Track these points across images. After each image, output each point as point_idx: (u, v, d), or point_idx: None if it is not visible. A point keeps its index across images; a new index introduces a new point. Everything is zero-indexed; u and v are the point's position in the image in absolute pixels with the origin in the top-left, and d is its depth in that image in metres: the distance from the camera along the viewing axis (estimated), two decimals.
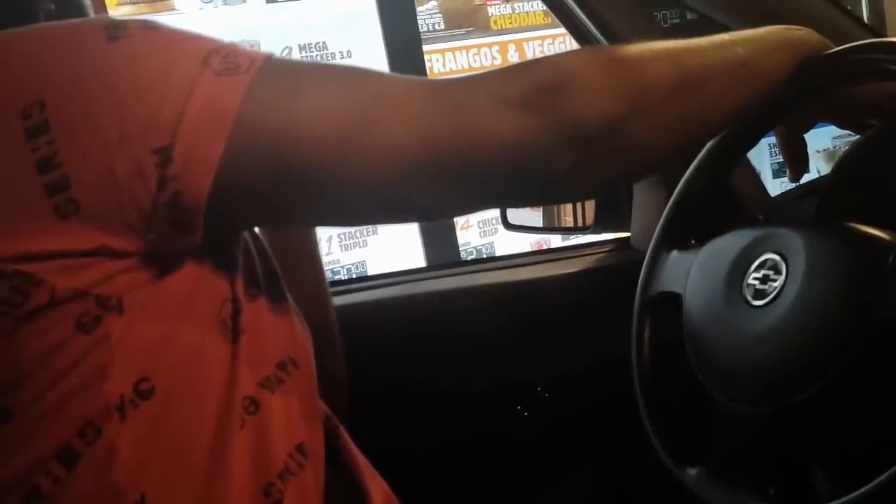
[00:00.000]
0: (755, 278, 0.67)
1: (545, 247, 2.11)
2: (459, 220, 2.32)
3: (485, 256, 2.34)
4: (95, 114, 0.43)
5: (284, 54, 2.09)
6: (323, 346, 0.75)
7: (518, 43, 2.50)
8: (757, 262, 0.67)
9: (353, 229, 2.16)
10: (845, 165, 0.78)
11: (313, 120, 0.45)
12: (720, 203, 0.86)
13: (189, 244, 0.46)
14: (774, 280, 0.65)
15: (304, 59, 2.12)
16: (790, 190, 1.08)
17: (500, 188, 0.49)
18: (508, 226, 1.35)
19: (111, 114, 0.43)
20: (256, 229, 0.58)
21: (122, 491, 0.44)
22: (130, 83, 0.43)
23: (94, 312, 0.44)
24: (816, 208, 0.83)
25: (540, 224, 1.36)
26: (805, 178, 0.84)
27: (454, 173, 0.47)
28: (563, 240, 1.81)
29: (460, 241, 2.33)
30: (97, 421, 0.44)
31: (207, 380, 0.47)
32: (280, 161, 0.45)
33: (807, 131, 0.73)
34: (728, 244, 0.73)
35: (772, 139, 0.78)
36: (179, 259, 0.47)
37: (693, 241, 0.80)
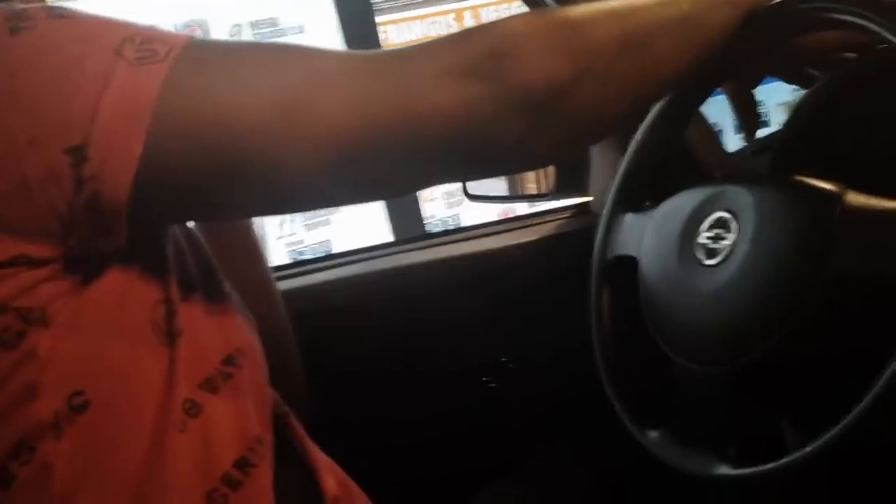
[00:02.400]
0: (707, 237, 0.66)
1: (511, 216, 2.10)
2: (424, 193, 2.30)
3: (451, 228, 2.33)
4: (1, 114, 0.40)
5: (234, 32, 2.04)
6: (273, 343, 0.73)
7: (474, 10, 2.47)
8: (708, 221, 0.67)
9: None
10: (795, 119, 0.78)
11: (241, 107, 0.42)
12: (675, 163, 0.86)
13: (113, 246, 0.44)
14: (725, 238, 0.64)
15: (255, 36, 2.07)
16: (747, 146, 1.07)
17: (449, 162, 0.47)
18: (470, 196, 1.33)
19: (18, 113, 0.40)
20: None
21: None
22: (37, 79, 0.40)
23: (17, 327, 0.42)
24: (770, 163, 0.82)
25: (502, 193, 1.34)
26: (764, 133, 0.84)
27: (400, 151, 0.45)
28: (530, 207, 1.80)
29: (426, 213, 2.31)
30: (31, 441, 0.42)
31: (143, 387, 0.45)
32: (208, 154, 0.42)
33: (755, 87, 0.72)
34: (680, 204, 0.72)
35: None
36: (105, 263, 0.45)
37: (647, 203, 0.79)
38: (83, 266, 0.44)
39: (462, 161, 0.47)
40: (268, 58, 0.45)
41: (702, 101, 0.76)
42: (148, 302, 0.47)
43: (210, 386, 0.48)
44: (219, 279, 0.53)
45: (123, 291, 0.45)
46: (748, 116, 0.72)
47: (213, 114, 0.42)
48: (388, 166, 0.46)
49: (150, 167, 0.41)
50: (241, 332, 0.53)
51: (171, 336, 0.47)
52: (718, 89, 0.75)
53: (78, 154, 0.40)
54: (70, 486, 0.43)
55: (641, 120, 0.81)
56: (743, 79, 0.70)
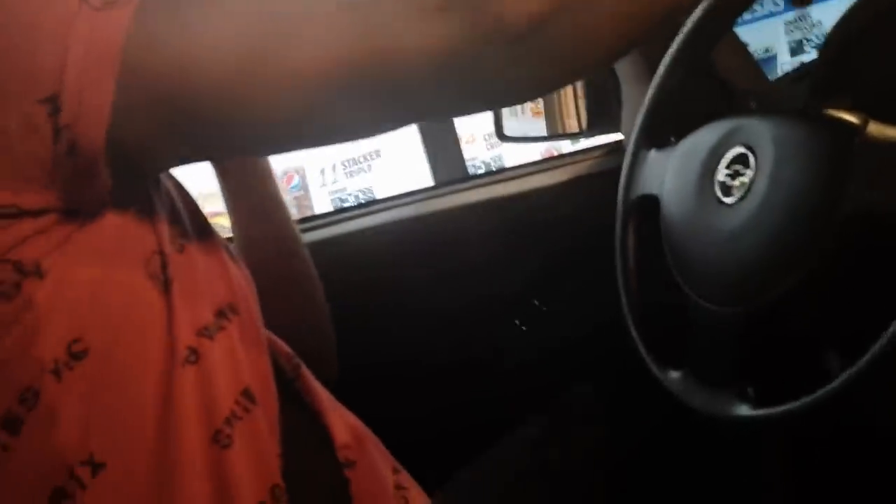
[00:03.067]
0: (726, 174, 0.64)
1: (556, 154, 2.07)
2: (464, 135, 2.28)
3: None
4: None
5: None
6: (295, 296, 0.74)
7: None
8: (727, 157, 0.64)
9: (355, 155, 2.12)
10: (827, 46, 0.73)
11: (207, 50, 0.42)
12: (704, 94, 0.82)
13: (100, 194, 0.45)
14: (744, 175, 0.62)
15: None
16: (787, 73, 1.02)
17: (426, 101, 0.46)
18: (503, 137, 1.31)
19: None
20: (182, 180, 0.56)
21: (69, 451, 0.45)
22: (2, 30, 0.41)
23: (13, 280, 0.43)
24: (809, 92, 0.78)
25: (541, 132, 1.32)
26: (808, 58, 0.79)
27: (373, 92, 0.43)
28: (572, 145, 1.77)
29: (467, 156, 2.29)
30: (34, 385, 0.44)
31: (144, 334, 0.47)
32: (178, 98, 0.42)
33: None
34: (702, 139, 0.70)
35: (786, 15, 0.71)
36: (97, 215, 0.45)
37: (672, 139, 0.76)
38: (75, 219, 0.44)
39: (441, 98, 0.46)
40: (235, 0, 0.44)
41: (730, 23, 0.72)
42: (142, 251, 0.47)
43: (207, 334, 0.49)
44: (211, 234, 0.54)
45: (118, 243, 0.46)
46: None
47: (177, 59, 0.42)
48: (361, 107, 0.44)
49: (122, 113, 0.42)
50: (235, 286, 0.53)
51: (166, 284, 0.48)
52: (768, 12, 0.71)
53: (52, 104, 0.41)
54: (78, 432, 0.45)
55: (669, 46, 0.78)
56: None
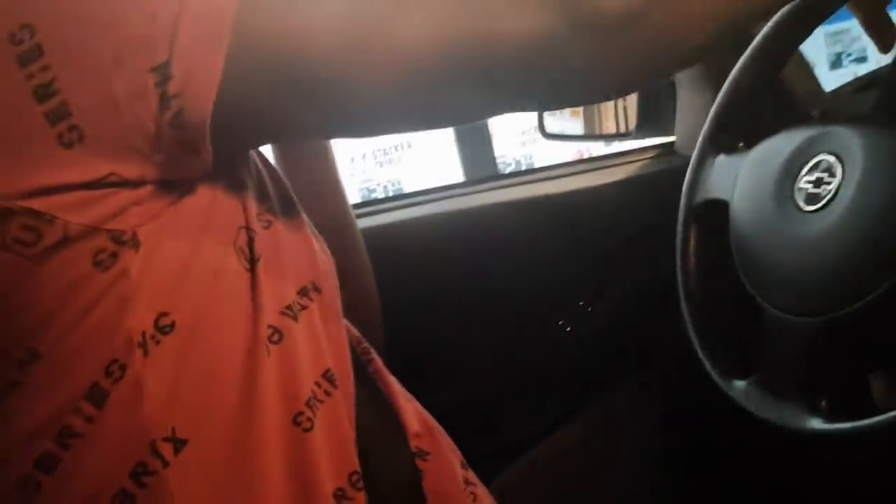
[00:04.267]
0: (808, 181, 0.63)
1: (585, 156, 2.06)
2: (495, 131, 2.27)
3: (524, 168, 2.29)
4: (88, 33, 0.40)
5: None
6: (351, 281, 0.73)
7: None
8: (810, 164, 0.63)
9: (386, 146, 2.11)
10: None
11: (317, 23, 0.42)
12: (770, 101, 0.81)
13: (199, 167, 0.44)
14: (829, 183, 0.60)
15: None
16: (847, 83, 1.01)
17: (520, 88, 0.46)
18: (547, 135, 1.30)
19: (104, 32, 0.40)
20: (270, 157, 0.56)
21: (152, 426, 0.44)
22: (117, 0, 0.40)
23: (111, 249, 0.42)
24: (875, 103, 0.77)
25: (579, 132, 1.31)
26: (863, 70, 0.77)
27: (471, 75, 0.44)
28: (606, 147, 1.76)
29: (497, 152, 2.28)
30: (121, 358, 0.43)
31: (230, 310, 0.46)
32: (284, 71, 0.42)
33: (890, 2, 0.63)
34: (778, 146, 0.68)
35: (827, 28, 0.71)
36: (191, 188, 0.45)
37: (741, 144, 0.75)
38: (170, 192, 0.44)
39: (533, 87, 0.46)
40: None
41: (808, 32, 0.71)
42: (231, 226, 0.47)
43: (291, 313, 0.48)
44: (298, 212, 0.54)
45: (208, 217, 0.46)
46: (884, 31, 0.63)
47: (287, 31, 0.42)
48: (459, 91, 0.45)
49: (230, 84, 0.42)
50: (318, 264, 0.53)
51: (252, 261, 0.47)
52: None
53: (163, 72, 0.41)
54: (162, 407, 0.44)
55: (736, 55, 0.77)
56: None
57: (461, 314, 1.08)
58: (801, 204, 0.62)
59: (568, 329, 1.09)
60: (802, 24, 0.70)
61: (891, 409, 0.55)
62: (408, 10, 0.43)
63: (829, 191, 0.60)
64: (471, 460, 0.65)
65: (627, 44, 0.44)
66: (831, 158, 0.61)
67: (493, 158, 2.27)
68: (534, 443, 0.83)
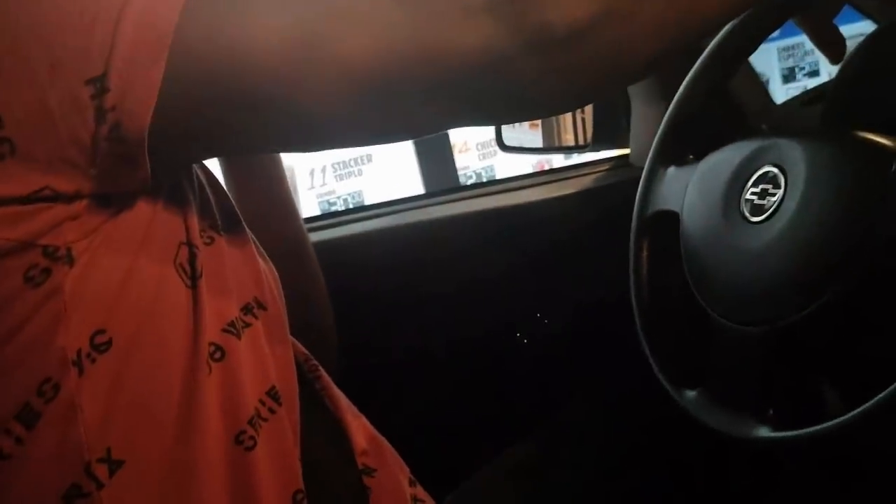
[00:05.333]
0: (753, 193, 0.64)
1: (547, 168, 2.07)
2: (457, 144, 2.27)
3: (484, 180, 2.30)
4: (22, 43, 0.39)
5: None
6: (305, 299, 0.72)
7: None
8: (755, 176, 0.64)
9: (346, 158, 2.10)
10: (850, 68, 0.74)
11: (260, 38, 0.41)
12: (720, 114, 0.82)
13: (138, 180, 0.43)
14: (773, 194, 0.61)
15: None
16: (796, 96, 1.03)
17: (468, 102, 0.45)
18: (504, 147, 1.31)
19: (39, 43, 0.39)
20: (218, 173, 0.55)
21: (87, 446, 0.43)
22: (57, 7, 0.39)
23: (43, 265, 0.41)
24: (822, 116, 0.79)
25: (538, 144, 1.31)
26: (815, 83, 0.78)
27: (418, 89, 0.43)
28: (566, 159, 1.77)
29: (459, 164, 2.29)
30: (55, 377, 0.42)
31: (169, 328, 0.45)
32: (226, 85, 0.41)
33: (834, 16, 0.64)
34: (726, 158, 0.69)
35: (780, 42, 0.72)
36: (130, 203, 0.44)
37: (691, 157, 0.76)
38: (108, 206, 0.43)
39: (483, 102, 0.46)
40: None
41: (755, 46, 0.72)
42: (171, 242, 0.46)
43: (233, 330, 0.47)
44: (242, 228, 0.53)
45: (147, 232, 0.45)
46: (833, 44, 0.63)
47: (229, 45, 0.41)
48: (409, 105, 0.44)
49: (170, 98, 0.40)
50: (263, 281, 0.52)
51: (193, 278, 0.46)
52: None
53: (99, 84, 0.40)
54: (97, 427, 0.43)
55: (685, 69, 0.78)
56: (821, 7, 0.63)
57: (419, 326, 1.08)
58: (747, 215, 0.63)
59: (525, 340, 1.09)
60: (749, 38, 0.72)
61: (837, 416, 0.56)
62: (353, 22, 0.42)
63: (774, 202, 0.61)
64: (424, 476, 0.64)
65: (577, 58, 0.43)
66: (775, 170, 0.62)
67: (455, 170, 2.27)
68: (488, 457, 0.83)
